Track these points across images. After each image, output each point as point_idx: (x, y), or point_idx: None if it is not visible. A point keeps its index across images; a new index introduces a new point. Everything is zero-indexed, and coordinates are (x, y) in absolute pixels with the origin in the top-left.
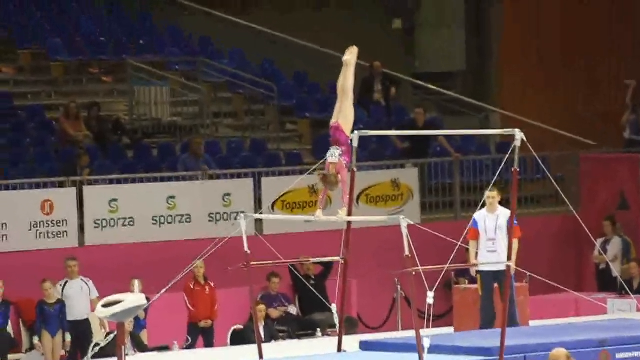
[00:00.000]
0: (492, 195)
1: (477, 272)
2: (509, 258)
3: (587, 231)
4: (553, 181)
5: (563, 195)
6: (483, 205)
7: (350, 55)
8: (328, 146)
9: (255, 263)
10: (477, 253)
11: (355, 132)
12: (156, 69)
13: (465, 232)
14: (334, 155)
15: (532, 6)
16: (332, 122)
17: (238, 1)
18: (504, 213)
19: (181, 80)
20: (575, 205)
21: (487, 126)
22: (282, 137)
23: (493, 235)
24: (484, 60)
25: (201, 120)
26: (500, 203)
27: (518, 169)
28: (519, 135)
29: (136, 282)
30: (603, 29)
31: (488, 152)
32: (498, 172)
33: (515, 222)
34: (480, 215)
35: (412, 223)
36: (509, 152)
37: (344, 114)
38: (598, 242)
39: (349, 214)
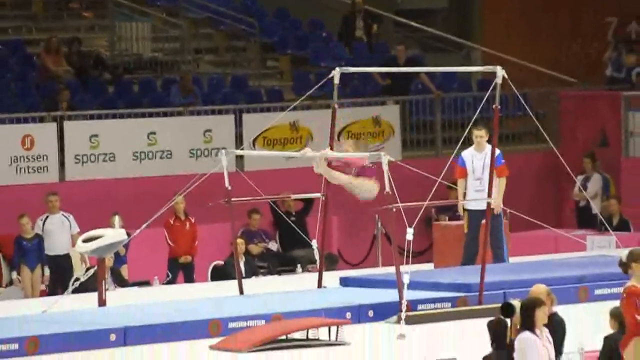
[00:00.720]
0: (480, 134)
1: (465, 209)
2: (489, 195)
3: (567, 168)
4: (534, 118)
5: (544, 132)
6: (465, 142)
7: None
8: (309, 83)
9: (236, 199)
10: (464, 192)
11: (337, 68)
12: (137, 5)
13: (445, 169)
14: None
15: None
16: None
17: None
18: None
19: (162, 16)
20: (556, 142)
21: (468, 64)
22: (263, 74)
23: (480, 175)
24: None
25: (182, 56)
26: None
27: (499, 107)
28: (500, 72)
29: (116, 218)
30: None
31: (469, 89)
32: (479, 109)
33: (503, 160)
34: (467, 153)
35: (393, 160)
36: (490, 89)
37: None
38: (578, 180)
39: (331, 150)
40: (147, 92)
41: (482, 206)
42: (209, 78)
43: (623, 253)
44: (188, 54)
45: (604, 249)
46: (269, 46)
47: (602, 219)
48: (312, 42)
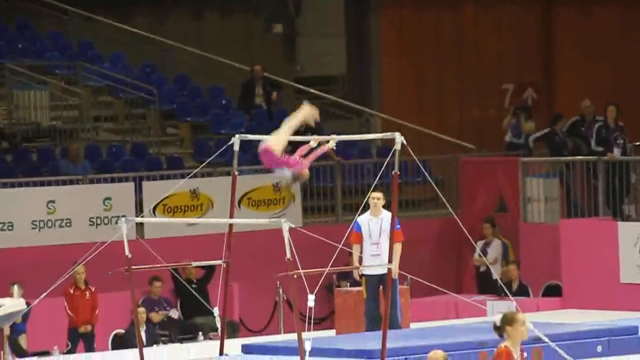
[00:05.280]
0: (376, 196)
1: (362, 275)
2: (390, 261)
3: (467, 234)
4: (433, 184)
5: (443, 198)
6: (365, 208)
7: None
8: (209, 150)
9: (136, 267)
10: (360, 257)
11: (237, 135)
12: (36, 73)
13: (346, 234)
14: (285, 178)
15: (407, 12)
16: (259, 148)
17: (119, 6)
18: (388, 217)
19: (61, 84)
20: (455, 208)
21: (368, 130)
22: (163, 141)
23: (377, 239)
24: (365, 64)
25: (81, 124)
26: (383, 206)
27: (399, 173)
28: (399, 139)
29: (16, 287)
30: (480, 36)
31: (369, 155)
32: (379, 176)
33: (399, 226)
34: (363, 218)
35: (293, 226)
36: (390, 155)
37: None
38: (478, 245)
39: (231, 217)
40: (45, 161)
41: (379, 271)
42: (108, 146)
43: (496, 317)
44: (87, 122)
45: None
46: (169, 113)
47: (502, 285)
48: (211, 109)
